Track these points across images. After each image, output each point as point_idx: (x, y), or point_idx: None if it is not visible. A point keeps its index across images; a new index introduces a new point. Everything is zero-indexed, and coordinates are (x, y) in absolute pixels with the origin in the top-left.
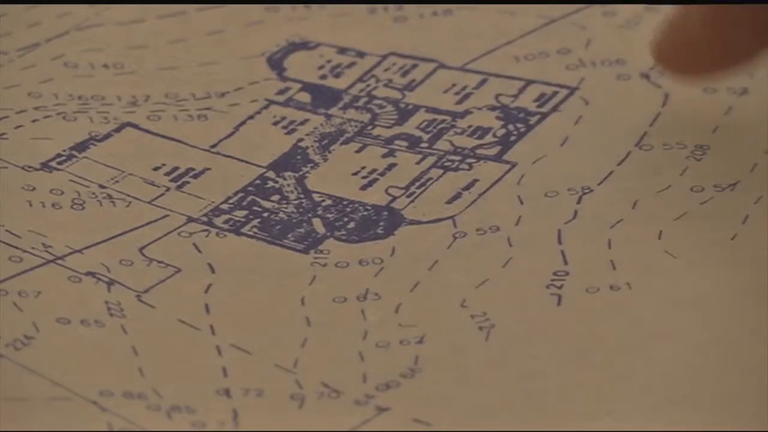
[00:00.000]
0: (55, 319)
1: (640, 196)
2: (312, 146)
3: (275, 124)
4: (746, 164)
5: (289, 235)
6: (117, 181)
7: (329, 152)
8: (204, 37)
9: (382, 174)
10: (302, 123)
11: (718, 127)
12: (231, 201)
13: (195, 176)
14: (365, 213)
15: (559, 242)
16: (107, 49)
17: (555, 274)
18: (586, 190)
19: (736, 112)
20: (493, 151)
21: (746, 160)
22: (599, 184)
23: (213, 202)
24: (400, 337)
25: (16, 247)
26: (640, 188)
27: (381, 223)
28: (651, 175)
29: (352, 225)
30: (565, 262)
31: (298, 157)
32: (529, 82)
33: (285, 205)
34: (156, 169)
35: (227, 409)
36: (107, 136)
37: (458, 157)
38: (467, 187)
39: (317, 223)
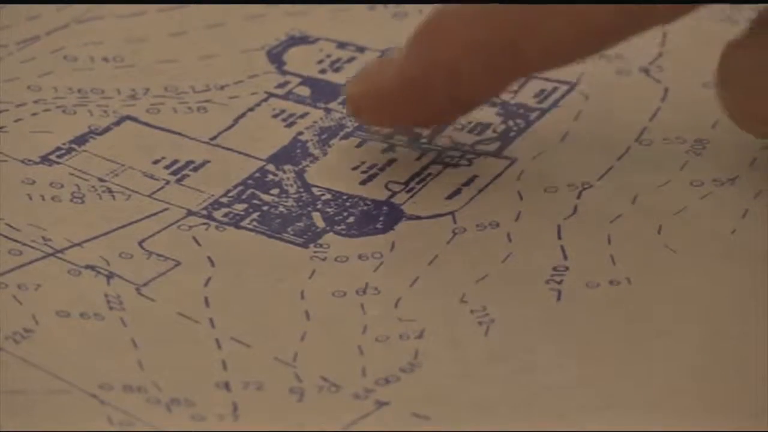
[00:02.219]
0: (54, 312)
1: (640, 191)
2: (312, 140)
3: (275, 116)
4: (746, 159)
5: (289, 229)
6: (116, 175)
7: (329, 146)
8: (203, 30)
9: (381, 169)
10: (302, 116)
11: (717, 122)
12: (230, 194)
13: (195, 169)
14: (365, 207)
15: (559, 237)
16: (107, 42)
17: (555, 269)
18: (586, 186)
19: None
20: (493, 147)
21: (746, 154)
22: (599, 180)
23: (212, 195)
24: (400, 332)
25: (16, 240)
26: (639, 183)
27: (381, 218)
28: (651, 170)
29: (351, 219)
30: (565, 258)
31: (298, 150)
32: (529, 78)
33: (285, 199)
34: (155, 162)
35: (227, 402)
36: (107, 129)
37: (458, 153)
38: (467, 183)
39: (317, 217)
